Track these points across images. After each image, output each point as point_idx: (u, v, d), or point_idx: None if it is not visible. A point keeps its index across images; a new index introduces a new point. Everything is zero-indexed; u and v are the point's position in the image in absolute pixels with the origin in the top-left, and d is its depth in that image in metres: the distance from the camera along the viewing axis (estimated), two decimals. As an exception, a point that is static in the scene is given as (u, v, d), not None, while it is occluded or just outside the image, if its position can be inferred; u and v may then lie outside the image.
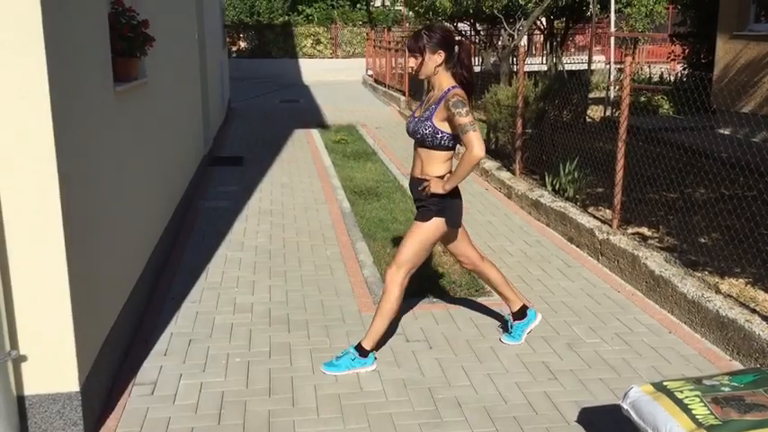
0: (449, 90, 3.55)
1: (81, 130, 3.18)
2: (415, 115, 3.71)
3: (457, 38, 3.67)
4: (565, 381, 3.65)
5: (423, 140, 3.62)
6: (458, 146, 3.64)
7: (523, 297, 4.39)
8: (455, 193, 3.67)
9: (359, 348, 3.73)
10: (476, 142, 3.40)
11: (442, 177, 3.62)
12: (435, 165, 3.64)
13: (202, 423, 3.23)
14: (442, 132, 3.56)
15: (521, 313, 4.03)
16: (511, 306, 4.04)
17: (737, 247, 5.10)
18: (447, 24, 18.28)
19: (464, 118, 3.44)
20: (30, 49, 2.69)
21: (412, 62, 3.64)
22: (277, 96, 18.40)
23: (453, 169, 3.61)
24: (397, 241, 5.58)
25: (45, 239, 2.83)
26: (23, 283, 2.85)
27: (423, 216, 3.67)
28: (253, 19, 25.70)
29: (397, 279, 3.65)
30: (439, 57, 3.58)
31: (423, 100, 3.81)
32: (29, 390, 2.94)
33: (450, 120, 3.50)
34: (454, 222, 3.73)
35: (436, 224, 3.66)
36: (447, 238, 3.84)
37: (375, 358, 3.80)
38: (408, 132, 3.72)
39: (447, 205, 3.65)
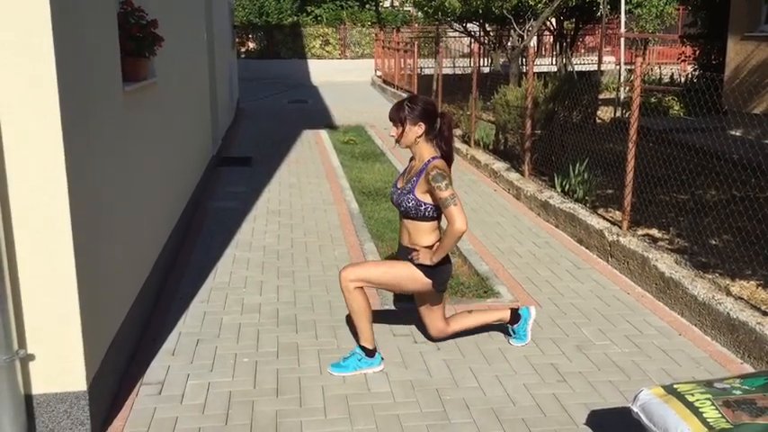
0: (429, 162, 3.57)
1: (89, 131, 3.18)
2: (398, 186, 3.73)
3: (439, 110, 3.69)
4: (574, 383, 3.63)
5: (407, 213, 3.64)
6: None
7: (506, 305, 4.38)
8: (444, 259, 3.67)
9: (363, 349, 3.72)
10: (457, 216, 3.41)
11: (430, 246, 3.64)
12: (423, 235, 3.66)
13: (210, 423, 3.23)
14: (425, 204, 3.58)
15: (514, 318, 4.03)
16: (504, 321, 4.04)
17: (749, 248, 5.06)
18: (455, 24, 18.28)
19: (444, 192, 3.45)
20: (39, 49, 2.69)
21: (393, 131, 3.68)
22: (286, 97, 18.43)
23: (440, 241, 3.59)
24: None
25: (53, 239, 2.83)
26: (31, 283, 2.85)
27: (418, 264, 3.65)
28: (262, 20, 25.75)
29: (349, 286, 3.62)
30: (419, 128, 3.60)
31: (405, 169, 3.83)
32: (36, 389, 2.94)
33: (431, 193, 3.53)
34: (441, 287, 3.75)
35: (423, 279, 3.66)
36: (424, 299, 3.82)
37: (383, 359, 3.79)
38: (393, 203, 3.76)
39: (437, 271, 3.66)
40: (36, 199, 2.79)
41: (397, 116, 3.63)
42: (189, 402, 3.40)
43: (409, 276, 3.66)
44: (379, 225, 6.34)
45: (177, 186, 5.77)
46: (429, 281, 3.66)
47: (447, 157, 3.66)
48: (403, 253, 3.76)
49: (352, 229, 6.30)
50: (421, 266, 3.64)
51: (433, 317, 3.88)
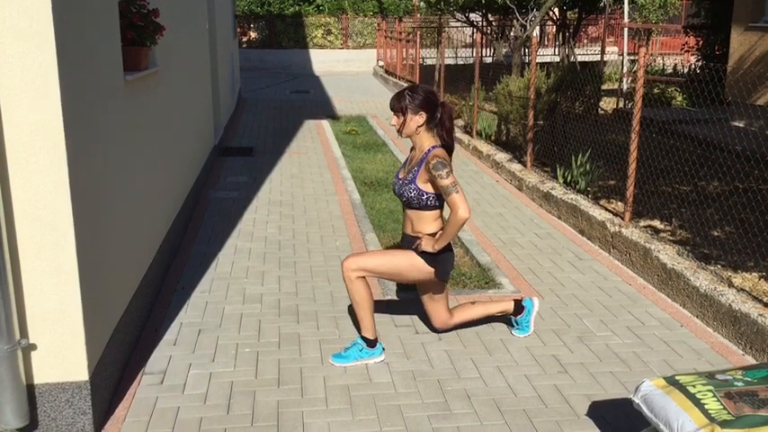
0: (429, 151, 3.57)
1: (91, 120, 3.17)
2: (400, 177, 3.72)
3: (440, 100, 3.67)
4: (575, 374, 3.63)
5: (409, 203, 3.64)
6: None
7: (509, 297, 4.37)
8: (447, 247, 3.66)
9: (364, 339, 3.72)
10: (459, 204, 3.41)
11: (434, 235, 3.63)
12: (426, 224, 3.66)
13: (211, 413, 3.23)
14: (426, 194, 3.58)
15: (518, 309, 4.02)
16: (507, 312, 4.04)
17: (751, 240, 5.05)
18: (458, 15, 18.20)
19: (445, 180, 3.45)
20: (40, 38, 2.68)
21: (394, 121, 3.67)
22: (287, 87, 18.38)
23: (443, 229, 3.58)
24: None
25: (55, 230, 2.83)
26: (33, 272, 2.85)
27: (420, 252, 3.64)
28: (263, 9, 25.66)
29: (351, 276, 3.62)
30: (420, 117, 3.59)
31: (406, 160, 3.81)
32: (38, 379, 2.95)
33: (432, 182, 3.52)
34: (444, 275, 3.74)
35: (424, 267, 3.65)
36: (427, 288, 3.81)
37: (384, 349, 3.79)
38: (395, 194, 3.75)
39: (440, 259, 3.66)
40: (37, 189, 2.79)
41: (398, 105, 3.62)
42: (190, 392, 3.41)
43: (411, 265, 3.66)
44: (380, 215, 6.34)
45: (179, 176, 5.76)
46: (431, 269, 3.66)
47: (448, 146, 3.66)
48: (406, 241, 3.75)
49: (354, 219, 6.30)
50: (423, 255, 3.63)
51: (435, 307, 3.88)
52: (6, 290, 2.73)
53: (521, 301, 4.04)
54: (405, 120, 3.61)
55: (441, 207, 3.65)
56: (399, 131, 3.67)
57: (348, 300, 4.52)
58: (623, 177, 5.62)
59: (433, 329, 4.04)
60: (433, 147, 3.60)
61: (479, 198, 7.10)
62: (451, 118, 3.69)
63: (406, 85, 16.00)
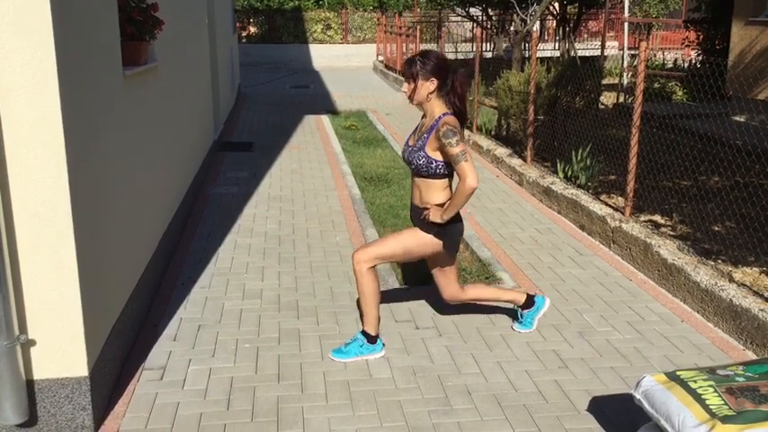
0: (440, 118, 3.52)
1: (90, 115, 3.15)
2: (409, 144, 3.68)
3: (452, 66, 3.62)
4: (576, 369, 3.62)
5: (418, 170, 3.60)
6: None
7: (522, 289, 4.35)
8: (456, 218, 3.64)
9: (365, 334, 3.72)
10: (468, 172, 3.38)
11: (442, 204, 3.60)
12: (434, 193, 3.61)
13: (211, 408, 3.23)
14: (436, 162, 3.53)
15: (529, 302, 4.00)
16: (516, 303, 4.02)
17: (752, 235, 5.04)
18: (458, 9, 18.16)
19: (455, 148, 3.40)
20: (39, 33, 2.66)
21: (405, 87, 3.62)
22: (287, 82, 18.35)
23: (451, 198, 3.56)
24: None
25: (54, 225, 2.82)
26: (32, 268, 2.84)
27: (425, 227, 3.63)
28: (263, 4, 25.60)
29: (363, 268, 3.62)
30: (432, 84, 3.54)
31: (416, 127, 3.77)
32: (38, 374, 2.94)
33: (441, 150, 3.48)
34: (452, 246, 3.72)
35: (432, 241, 3.63)
36: (437, 260, 3.79)
37: (384, 345, 3.78)
38: (404, 161, 3.71)
39: (448, 230, 3.63)
40: (36, 184, 2.77)
41: (408, 72, 3.56)
42: (190, 388, 3.40)
43: (418, 242, 3.63)
44: (380, 211, 6.33)
45: (178, 171, 5.75)
46: (439, 242, 3.62)
47: (460, 113, 3.59)
48: (415, 212, 3.71)
49: (354, 214, 6.28)
50: (431, 227, 3.59)
51: (446, 280, 3.84)
52: (6, 285, 2.72)
53: (533, 296, 4.02)
54: (415, 86, 3.55)
55: (450, 176, 3.59)
56: (410, 98, 3.61)
57: (348, 295, 4.51)
58: (624, 172, 5.61)
59: (443, 301, 3.99)
60: (444, 114, 3.54)
61: (479, 193, 7.09)
62: (463, 84, 3.61)
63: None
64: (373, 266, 3.63)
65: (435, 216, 3.56)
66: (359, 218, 6.16)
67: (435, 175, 3.57)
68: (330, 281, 4.76)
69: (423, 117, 3.70)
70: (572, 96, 8.01)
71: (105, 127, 3.41)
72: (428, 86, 3.54)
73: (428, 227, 3.62)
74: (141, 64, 4.23)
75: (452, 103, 3.58)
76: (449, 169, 3.55)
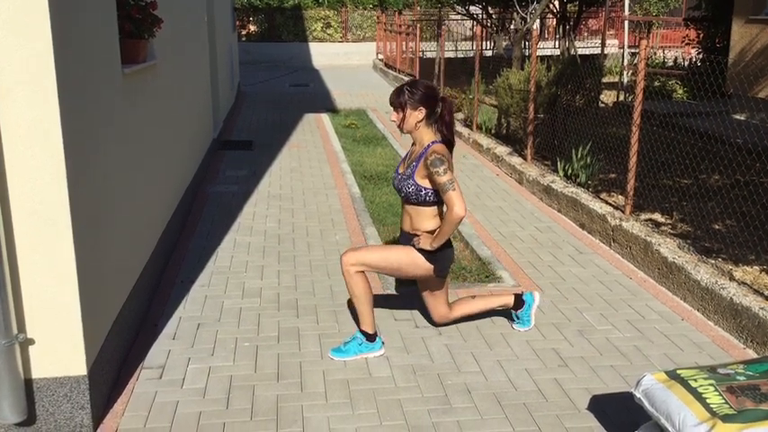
0: (428, 146, 3.55)
1: (88, 114, 3.14)
2: (399, 172, 3.70)
3: (440, 95, 3.64)
4: (576, 368, 3.62)
5: (407, 198, 3.62)
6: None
7: (509, 291, 4.34)
8: (446, 243, 3.65)
9: (364, 333, 3.71)
10: (456, 201, 3.39)
11: (432, 232, 3.61)
12: (424, 220, 3.63)
13: (210, 407, 3.22)
14: (425, 189, 3.55)
15: (518, 303, 4.01)
16: (507, 306, 4.02)
17: (752, 233, 5.03)
18: (458, 7, 18.14)
19: (442, 177, 3.42)
20: (36, 30, 2.65)
21: (394, 116, 3.65)
22: (287, 80, 18.34)
23: (440, 227, 3.56)
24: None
25: (52, 224, 2.81)
26: (31, 267, 2.83)
27: (419, 249, 3.63)
28: (263, 2, 25.57)
29: (350, 270, 3.62)
30: (420, 113, 3.56)
31: (406, 154, 3.79)
32: (36, 373, 2.93)
33: (429, 178, 3.50)
34: (442, 272, 3.73)
35: (424, 264, 3.64)
36: (427, 284, 3.81)
37: (383, 343, 3.78)
38: (394, 188, 3.73)
39: (439, 256, 3.65)
40: (35, 183, 2.76)
41: (397, 101, 3.60)
42: (189, 386, 3.39)
43: (410, 262, 3.64)
44: (380, 209, 6.32)
45: (178, 170, 5.74)
46: (430, 266, 3.64)
47: (448, 141, 3.63)
48: (405, 239, 3.74)
49: (354, 213, 6.28)
50: (422, 252, 3.62)
51: (435, 302, 3.86)
52: (4, 284, 2.71)
53: (521, 295, 4.02)
54: (404, 115, 3.59)
55: (439, 203, 3.63)
56: (400, 127, 3.65)
57: (347, 294, 4.50)
58: (624, 171, 5.60)
59: (433, 323, 4.02)
60: (433, 142, 3.58)
61: (479, 191, 7.08)
62: (451, 113, 3.66)
63: (406, 78, 15.95)
64: (361, 270, 3.63)
65: (425, 243, 3.58)
66: (358, 216, 6.15)
67: (425, 203, 3.59)
68: (330, 279, 4.75)
69: (413, 145, 3.72)
70: (572, 95, 8.00)
71: (104, 125, 3.40)
72: (416, 115, 3.57)
73: (419, 252, 3.64)
74: (140, 62, 4.22)
75: (440, 131, 3.62)
76: (438, 196, 3.57)
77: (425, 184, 3.55)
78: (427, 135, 3.61)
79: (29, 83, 2.69)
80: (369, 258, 3.63)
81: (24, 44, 2.66)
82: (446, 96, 3.72)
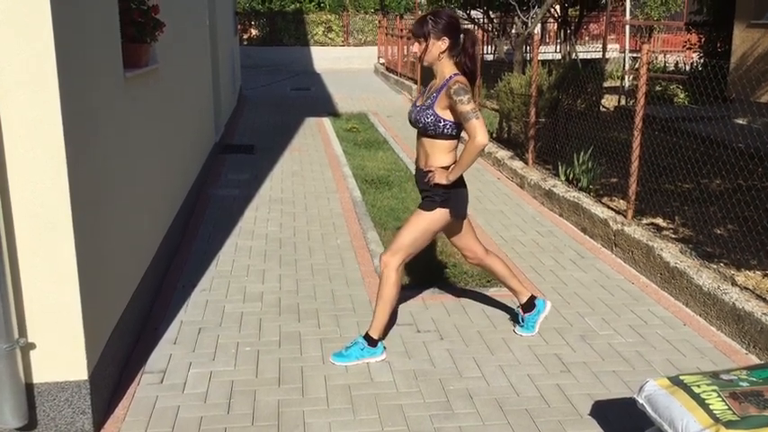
0: (450, 78, 3.49)
1: (90, 117, 3.14)
2: (417, 104, 3.64)
3: (463, 26, 3.58)
4: (578, 373, 3.61)
5: (425, 129, 3.55)
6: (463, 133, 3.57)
7: (531, 288, 4.33)
8: (460, 183, 3.61)
9: (367, 338, 3.70)
10: (479, 129, 3.34)
11: (447, 168, 3.56)
12: (439, 155, 3.57)
13: (211, 412, 3.21)
14: (444, 121, 3.49)
15: (529, 305, 3.98)
16: (519, 298, 4.00)
17: (754, 238, 5.02)
18: (459, 12, 18.15)
19: (466, 105, 3.37)
20: (39, 33, 2.65)
21: (416, 47, 3.56)
22: (288, 84, 18.35)
23: (458, 158, 3.54)
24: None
25: (54, 227, 2.80)
26: (32, 271, 2.82)
27: (426, 205, 3.62)
28: (264, 6, 25.60)
29: (392, 265, 3.61)
30: (443, 43, 3.50)
31: (424, 89, 3.74)
32: (37, 378, 2.92)
33: (451, 108, 3.44)
34: (459, 213, 3.68)
35: (440, 214, 3.61)
36: (451, 229, 3.78)
37: (384, 348, 3.76)
38: (410, 122, 3.67)
39: (452, 196, 3.59)
40: (36, 186, 2.76)
41: (420, 31, 3.52)
42: (191, 391, 3.38)
43: (429, 221, 3.61)
44: (381, 213, 6.31)
45: (179, 174, 5.73)
46: (446, 210, 3.59)
47: (471, 75, 3.55)
48: (419, 175, 3.68)
49: (355, 217, 6.27)
50: (434, 199, 3.57)
51: (465, 243, 3.85)
52: (5, 288, 2.70)
53: (536, 298, 4.00)
54: (427, 46, 3.51)
55: (457, 138, 3.56)
56: (420, 59, 3.57)
57: (349, 298, 4.50)
58: (625, 175, 5.59)
59: (466, 260, 4.00)
60: (455, 74, 3.51)
61: (481, 195, 7.08)
62: (475, 44, 3.57)
63: (407, 82, 15.97)
64: (401, 264, 3.61)
65: (441, 177, 3.52)
66: (360, 220, 6.15)
67: (442, 135, 3.53)
68: (331, 284, 4.75)
69: (432, 79, 3.65)
70: (573, 99, 8.00)
71: (105, 128, 3.40)
72: (439, 46, 3.50)
73: (431, 200, 3.59)
74: (142, 66, 4.22)
75: (463, 63, 3.54)
76: (456, 130, 3.52)
77: (445, 115, 3.48)
78: (448, 67, 3.54)
79: (30, 85, 2.68)
80: (401, 242, 3.61)
81: (26, 46, 2.65)
82: (469, 28, 3.65)
